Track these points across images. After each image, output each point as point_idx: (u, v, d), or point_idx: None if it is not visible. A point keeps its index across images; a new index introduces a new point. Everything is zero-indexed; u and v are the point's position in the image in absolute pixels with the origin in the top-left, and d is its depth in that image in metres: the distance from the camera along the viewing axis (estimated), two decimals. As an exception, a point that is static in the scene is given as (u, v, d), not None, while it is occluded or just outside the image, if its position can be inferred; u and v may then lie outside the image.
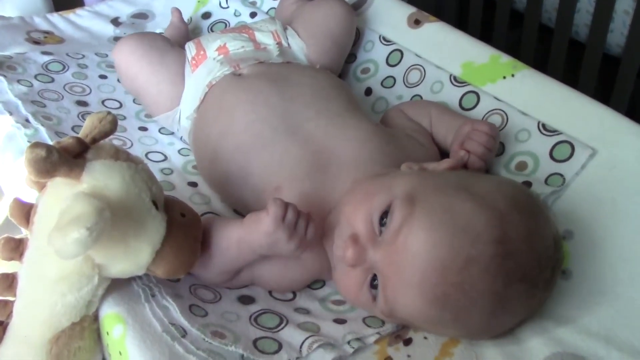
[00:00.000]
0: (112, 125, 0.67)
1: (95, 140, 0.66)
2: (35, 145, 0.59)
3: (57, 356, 0.63)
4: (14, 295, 0.66)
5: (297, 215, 0.66)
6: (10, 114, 0.91)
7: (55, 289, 0.62)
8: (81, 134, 0.66)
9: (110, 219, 0.58)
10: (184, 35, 1.14)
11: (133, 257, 0.63)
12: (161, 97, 0.96)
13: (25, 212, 0.67)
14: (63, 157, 0.61)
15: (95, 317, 0.66)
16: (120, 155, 0.66)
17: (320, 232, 0.71)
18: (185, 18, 1.21)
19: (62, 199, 0.60)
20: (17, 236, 0.68)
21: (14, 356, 0.65)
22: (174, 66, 0.97)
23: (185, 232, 0.66)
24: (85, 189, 0.61)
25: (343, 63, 1.03)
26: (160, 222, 0.64)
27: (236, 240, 0.69)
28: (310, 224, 0.67)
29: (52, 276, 0.62)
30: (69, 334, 0.64)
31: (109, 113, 0.67)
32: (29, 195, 0.69)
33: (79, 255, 0.57)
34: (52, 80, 1.04)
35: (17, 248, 0.66)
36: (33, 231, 0.65)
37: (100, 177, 0.62)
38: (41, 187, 0.66)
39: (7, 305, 0.67)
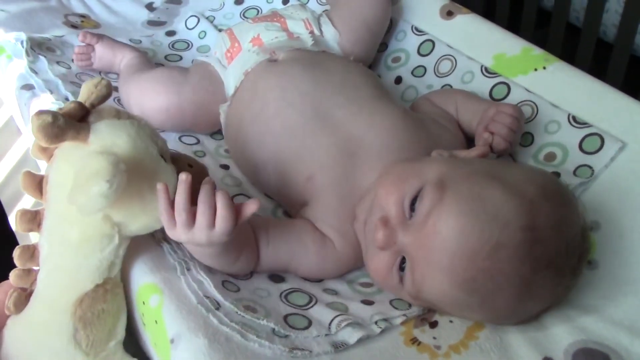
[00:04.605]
0: (107, 88, 0.68)
1: (93, 106, 0.67)
2: (41, 112, 0.61)
3: (81, 318, 0.65)
4: (37, 265, 0.68)
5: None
6: (51, 92, 0.93)
7: (78, 252, 0.64)
8: (79, 99, 0.68)
9: (126, 173, 0.59)
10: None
11: (150, 210, 0.64)
12: (209, 116, 0.95)
13: (36, 183, 0.68)
14: (69, 121, 0.62)
15: (119, 282, 0.68)
16: (122, 114, 0.67)
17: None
18: (218, 3, 1.22)
19: (74, 162, 0.62)
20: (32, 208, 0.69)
21: (39, 321, 0.67)
22: (208, 81, 0.95)
23: (197, 180, 0.68)
24: (95, 149, 0.63)
25: (375, 52, 1.04)
26: (171, 172, 0.66)
27: None
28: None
29: (74, 240, 0.64)
30: (92, 296, 0.65)
31: (102, 78, 0.69)
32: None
33: (101, 209, 0.58)
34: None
35: (34, 219, 0.68)
36: (48, 200, 0.67)
37: (107, 136, 0.63)
38: (49, 156, 0.67)
39: (31, 273, 0.69)
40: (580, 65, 1.15)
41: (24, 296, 0.68)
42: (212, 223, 0.62)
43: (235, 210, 0.63)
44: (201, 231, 0.62)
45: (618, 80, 1.18)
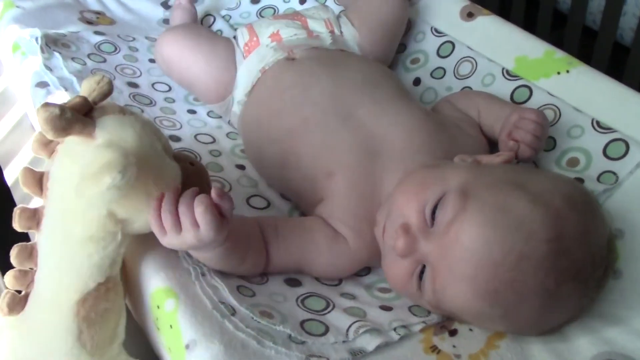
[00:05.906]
0: (109, 86, 0.67)
1: (95, 103, 0.66)
2: (48, 104, 0.60)
3: (85, 319, 0.64)
4: (35, 265, 0.66)
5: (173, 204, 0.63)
6: (66, 89, 0.92)
7: (81, 250, 0.63)
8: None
9: (135, 165, 0.58)
10: (193, 19, 1.14)
11: None
12: (215, 85, 0.97)
13: (37, 179, 0.66)
14: (75, 115, 0.61)
15: (119, 281, 0.67)
16: (126, 111, 0.66)
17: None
18: (234, 2, 1.21)
19: (79, 157, 0.61)
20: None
21: (41, 323, 0.65)
22: (225, 53, 0.98)
23: (200, 178, 0.67)
24: (101, 143, 0.61)
25: (394, 53, 1.03)
26: (175, 168, 0.65)
27: None
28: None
29: (78, 237, 0.63)
30: (95, 295, 0.64)
31: (104, 75, 0.67)
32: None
33: (112, 202, 0.58)
34: (104, 60, 1.05)
35: (33, 217, 0.66)
36: (49, 197, 0.65)
37: (114, 130, 0.62)
38: (50, 152, 0.66)
39: (28, 275, 0.66)
40: (596, 68, 1.14)
41: (19, 298, 0.66)
42: (195, 222, 0.61)
43: (216, 206, 0.61)
44: (188, 232, 0.61)
45: (635, 85, 1.16)
